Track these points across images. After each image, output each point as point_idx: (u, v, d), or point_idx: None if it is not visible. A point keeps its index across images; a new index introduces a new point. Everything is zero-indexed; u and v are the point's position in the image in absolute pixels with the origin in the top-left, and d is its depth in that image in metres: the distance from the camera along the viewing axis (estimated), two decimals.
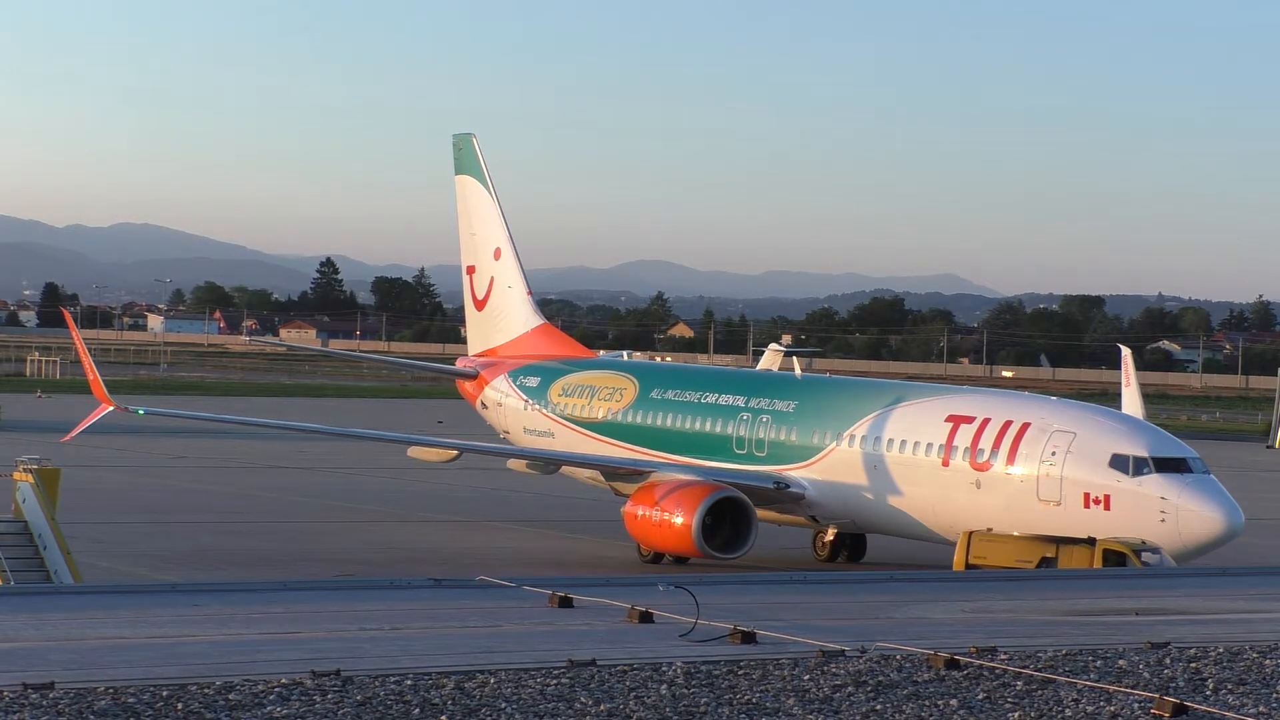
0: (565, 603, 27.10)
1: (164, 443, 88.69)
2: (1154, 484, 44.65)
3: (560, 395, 61.36)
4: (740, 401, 55.00)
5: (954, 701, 21.11)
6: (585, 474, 57.29)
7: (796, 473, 52.13)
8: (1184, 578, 36.83)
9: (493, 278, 68.04)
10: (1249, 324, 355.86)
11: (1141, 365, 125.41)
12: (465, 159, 69.02)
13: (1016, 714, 20.67)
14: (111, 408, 49.02)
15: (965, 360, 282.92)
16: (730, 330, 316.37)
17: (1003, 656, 23.38)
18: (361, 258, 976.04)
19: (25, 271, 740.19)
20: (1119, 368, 66.77)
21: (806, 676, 21.98)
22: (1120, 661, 23.63)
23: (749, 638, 24.19)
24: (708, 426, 55.45)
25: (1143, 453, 45.19)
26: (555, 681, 21.12)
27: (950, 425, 48.58)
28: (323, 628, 25.13)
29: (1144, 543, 42.94)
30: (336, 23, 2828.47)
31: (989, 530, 44.95)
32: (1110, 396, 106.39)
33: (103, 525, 55.00)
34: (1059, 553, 42.67)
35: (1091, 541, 42.48)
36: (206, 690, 19.92)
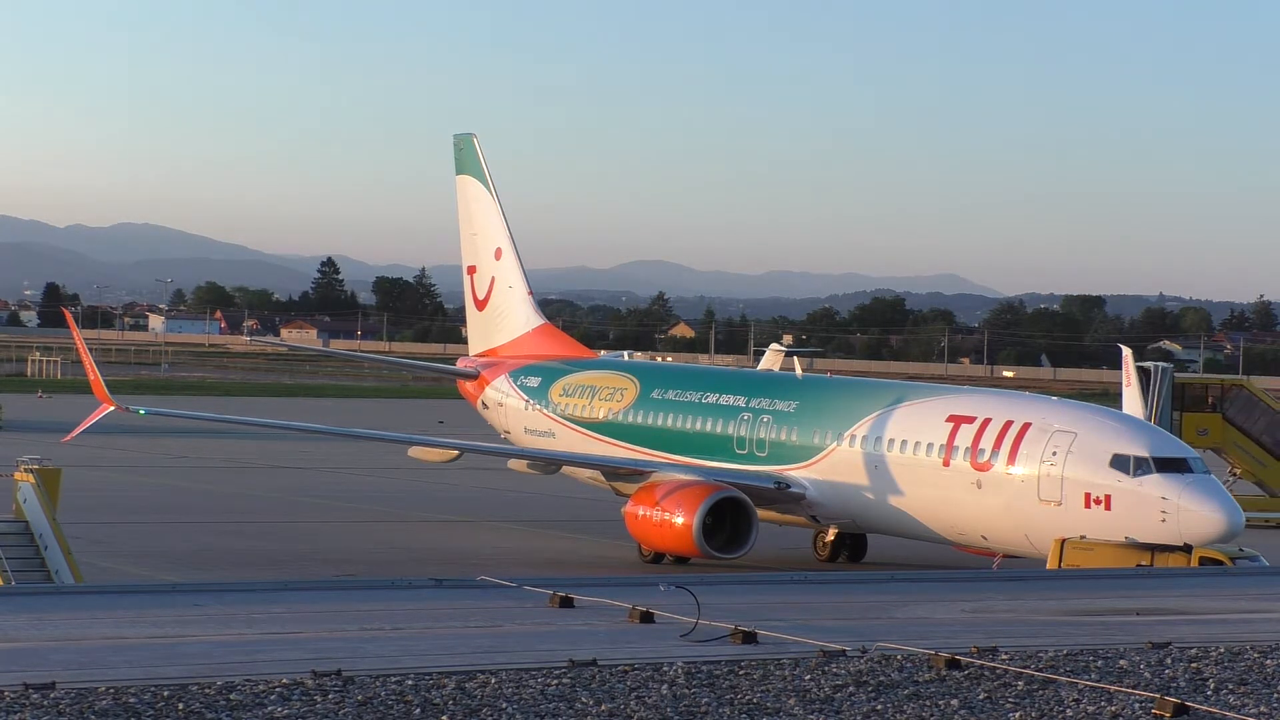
0: (566, 603, 27.07)
1: (165, 443, 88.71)
2: (1154, 484, 44.63)
3: (561, 395, 61.37)
4: (741, 402, 55.00)
5: (955, 701, 21.11)
6: (586, 474, 57.31)
7: (797, 473, 52.13)
8: (1184, 578, 36.81)
9: (493, 278, 68.06)
10: (1250, 324, 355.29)
11: None
12: (466, 159, 69.04)
13: (1017, 714, 20.68)
14: (112, 408, 49.05)
15: (966, 360, 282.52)
16: (731, 330, 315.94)
17: (1004, 656, 23.38)
18: (362, 258, 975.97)
19: (26, 271, 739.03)
20: (1119, 368, 66.61)
21: (807, 676, 21.98)
22: (1121, 661, 23.63)
23: (750, 638, 24.17)
24: (708, 426, 55.45)
25: (1143, 453, 45.17)
26: (556, 681, 21.12)
27: (951, 425, 48.57)
28: (323, 628, 25.11)
29: (1241, 550, 41.83)
30: (337, 23, 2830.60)
31: (1081, 538, 42.93)
32: (1111, 396, 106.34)
33: (103, 525, 55.02)
34: (1154, 560, 40.91)
35: (1187, 549, 41.13)
36: (207, 690, 19.92)
